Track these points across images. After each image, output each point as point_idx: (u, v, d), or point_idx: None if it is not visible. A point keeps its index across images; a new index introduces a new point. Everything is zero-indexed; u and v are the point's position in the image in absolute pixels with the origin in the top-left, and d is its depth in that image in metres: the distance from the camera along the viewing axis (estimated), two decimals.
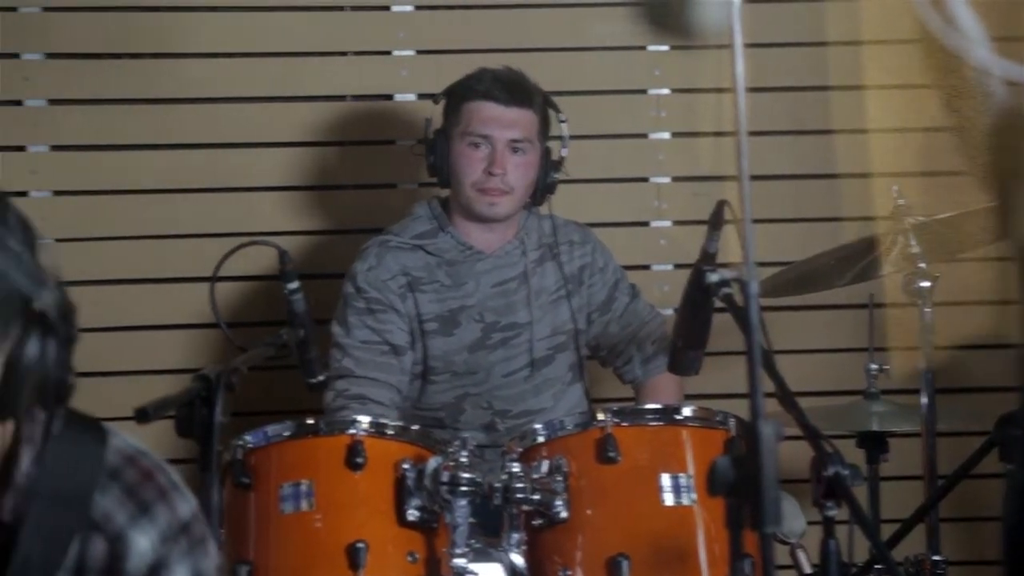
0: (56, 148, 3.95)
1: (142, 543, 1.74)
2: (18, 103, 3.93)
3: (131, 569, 1.73)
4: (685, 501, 2.81)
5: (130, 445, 1.80)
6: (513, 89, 3.41)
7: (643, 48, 4.06)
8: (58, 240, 3.83)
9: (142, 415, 2.26)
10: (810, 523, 3.16)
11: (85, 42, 3.93)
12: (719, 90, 4.01)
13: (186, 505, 1.79)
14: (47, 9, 3.93)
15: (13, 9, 3.92)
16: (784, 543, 3.11)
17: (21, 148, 3.93)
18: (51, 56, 3.95)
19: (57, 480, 1.73)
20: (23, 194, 3.87)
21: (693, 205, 3.91)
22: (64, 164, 3.94)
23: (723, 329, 2.78)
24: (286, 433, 2.86)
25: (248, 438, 2.85)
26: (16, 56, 3.93)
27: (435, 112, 3.47)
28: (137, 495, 1.76)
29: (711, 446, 2.86)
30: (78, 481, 1.74)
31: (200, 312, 3.75)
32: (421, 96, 3.96)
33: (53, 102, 3.94)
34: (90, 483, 1.74)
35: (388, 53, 4.05)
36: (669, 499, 2.81)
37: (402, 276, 3.40)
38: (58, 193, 3.94)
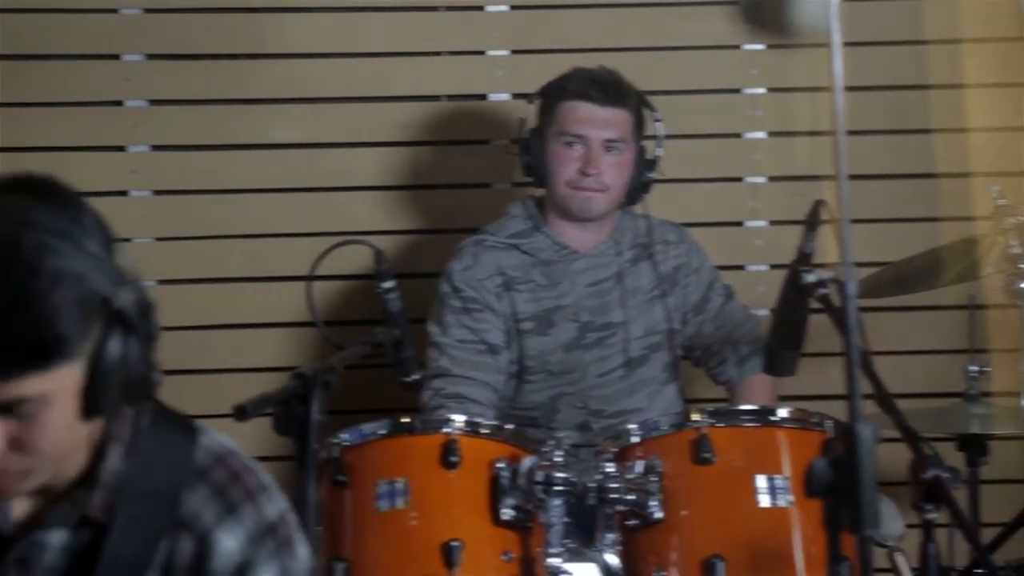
0: (156, 148, 3.99)
1: (228, 543, 1.74)
2: (119, 103, 3.98)
3: (217, 569, 1.74)
4: (781, 503, 2.80)
5: (220, 444, 1.81)
6: (608, 89, 3.40)
7: (738, 47, 4.04)
8: (157, 239, 3.88)
9: (240, 413, 2.29)
10: (909, 526, 3.14)
11: (184, 43, 3.97)
12: (816, 89, 3.97)
13: (273, 506, 1.79)
14: (147, 11, 3.98)
15: (114, 11, 3.97)
16: (882, 546, 3.09)
17: (121, 148, 3.98)
18: (151, 57, 3.99)
19: (146, 477, 1.74)
20: (123, 193, 3.92)
21: (789, 205, 3.88)
22: (164, 164, 3.99)
23: (820, 330, 2.75)
24: (381, 431, 2.88)
25: (344, 436, 2.88)
26: (117, 57, 3.99)
27: (529, 112, 3.48)
28: (225, 495, 1.76)
29: (807, 448, 2.84)
30: (167, 479, 1.75)
31: (297, 311, 3.78)
32: (515, 96, 3.96)
33: (153, 102, 3.99)
34: (179, 481, 1.75)
35: (482, 53, 4.06)
36: (765, 500, 2.80)
37: (498, 275, 3.41)
38: (158, 192, 3.98)
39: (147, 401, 1.75)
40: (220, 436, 1.82)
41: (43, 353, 1.58)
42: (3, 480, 1.66)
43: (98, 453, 1.74)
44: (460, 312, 3.38)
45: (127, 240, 3.71)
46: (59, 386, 1.61)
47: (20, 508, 1.75)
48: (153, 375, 1.72)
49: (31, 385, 1.59)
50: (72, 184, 1.70)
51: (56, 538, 1.74)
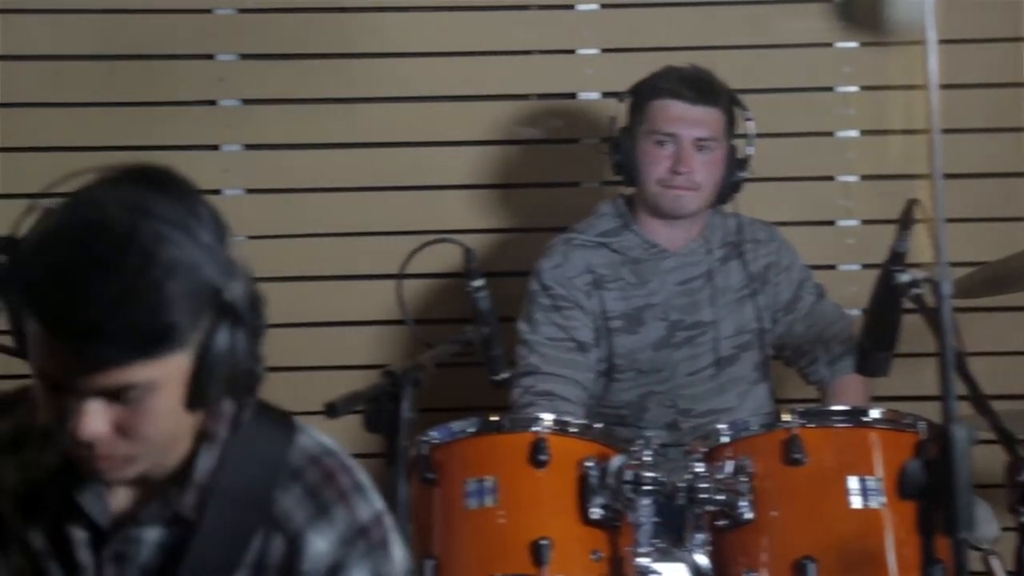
0: (249, 147, 4.03)
1: (319, 544, 1.74)
2: (212, 103, 4.02)
3: (308, 570, 1.74)
4: (873, 504, 2.78)
5: (317, 443, 1.81)
6: (699, 87, 3.39)
7: (830, 45, 4.00)
8: (250, 237, 3.91)
9: (331, 410, 2.30)
10: (1004, 529, 3.10)
11: (277, 42, 4.00)
12: (910, 87, 3.94)
13: (367, 507, 1.78)
14: (241, 11, 4.02)
15: (208, 11, 4.01)
16: (977, 549, 3.05)
17: (215, 147, 4.02)
18: (245, 57, 4.03)
19: (238, 476, 1.75)
20: (216, 192, 3.96)
21: (881, 204, 3.86)
22: (256, 163, 4.03)
23: (913, 330, 2.73)
24: (470, 430, 2.89)
25: (433, 434, 2.89)
26: (211, 57, 4.03)
27: (620, 110, 3.47)
28: (317, 496, 1.76)
29: (900, 449, 2.82)
30: (259, 478, 1.76)
31: (387, 309, 3.79)
32: (605, 94, 3.95)
33: (246, 102, 4.03)
34: (270, 482, 1.76)
35: (573, 52, 4.06)
36: (857, 502, 2.79)
37: (588, 274, 3.41)
38: (250, 191, 4.02)
39: (251, 395, 1.75)
40: (319, 435, 1.82)
41: (154, 341, 1.60)
42: (107, 465, 1.67)
43: (193, 451, 1.75)
44: (550, 310, 3.38)
45: None
46: (167, 374, 1.63)
47: (118, 502, 1.76)
48: (258, 368, 1.72)
49: (140, 372, 1.60)
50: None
51: (151, 534, 1.75)
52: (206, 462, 1.75)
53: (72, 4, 3.96)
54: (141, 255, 1.59)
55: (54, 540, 1.76)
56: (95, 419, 1.63)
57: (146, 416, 1.64)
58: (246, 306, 1.68)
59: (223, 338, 1.65)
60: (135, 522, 1.75)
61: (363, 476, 1.81)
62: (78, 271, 1.58)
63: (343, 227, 3.99)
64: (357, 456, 1.85)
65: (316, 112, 4.00)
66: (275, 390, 1.80)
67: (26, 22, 3.96)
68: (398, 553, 1.80)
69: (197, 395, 1.66)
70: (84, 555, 1.75)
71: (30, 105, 3.95)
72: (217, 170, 3.98)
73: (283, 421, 1.81)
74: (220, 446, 1.76)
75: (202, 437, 1.75)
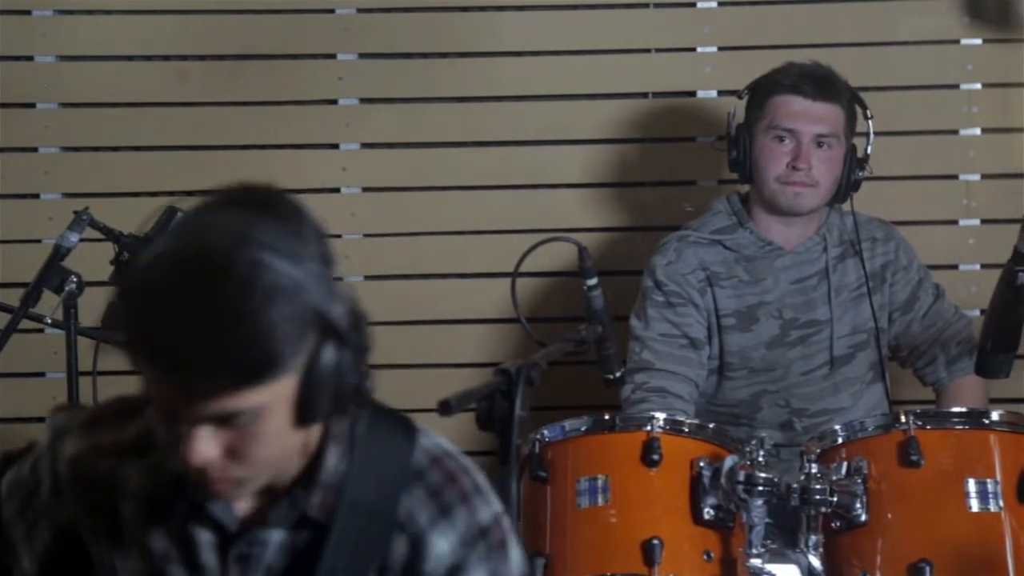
0: (366, 146, 4.06)
1: (441, 545, 1.75)
2: (333, 102, 4.06)
3: (429, 571, 1.75)
4: (992, 508, 2.75)
5: (437, 445, 1.82)
6: (820, 83, 3.36)
7: (956, 42, 3.93)
8: (366, 235, 3.95)
9: (444, 407, 2.31)
10: None
11: (396, 42, 4.03)
12: None
13: (487, 509, 1.79)
14: (361, 11, 4.05)
15: (330, 11, 4.05)
16: None
17: (334, 146, 4.06)
18: (363, 56, 4.06)
19: (367, 479, 1.75)
20: (335, 190, 3.99)
21: (1004, 203, 3.80)
22: (374, 161, 4.06)
23: None
24: (583, 428, 2.90)
25: (546, 432, 2.90)
26: (332, 57, 4.07)
27: (738, 107, 3.45)
28: (439, 497, 1.77)
29: (1020, 452, 2.79)
30: (386, 480, 1.76)
31: (501, 307, 3.82)
32: (722, 93, 3.93)
33: (364, 101, 4.06)
34: (398, 484, 1.76)
35: (692, 50, 4.04)
36: (975, 505, 2.76)
37: (701, 271, 3.40)
38: (367, 189, 4.04)
39: (360, 409, 1.75)
40: (437, 437, 1.83)
41: (257, 369, 1.60)
42: (223, 486, 1.69)
43: (318, 453, 1.76)
44: (663, 306, 3.37)
45: (337, 236, 3.79)
46: (273, 398, 1.63)
47: (244, 505, 1.77)
48: (366, 385, 1.71)
49: (247, 398, 1.61)
50: (287, 183, 1.72)
51: (276, 535, 1.77)
52: (331, 464, 1.76)
53: (197, 5, 4.02)
54: (238, 284, 1.58)
55: (178, 542, 1.78)
56: (205, 445, 1.64)
57: (256, 439, 1.65)
58: (349, 325, 1.67)
59: (327, 359, 1.64)
60: (262, 524, 1.76)
61: (482, 478, 1.82)
62: (177, 304, 1.58)
63: (458, 225, 4.01)
64: (469, 454, 1.86)
65: (432, 111, 4.02)
66: (389, 387, 1.81)
67: (152, 22, 4.03)
68: (515, 554, 1.81)
69: (304, 415, 1.66)
70: (209, 557, 1.77)
71: (155, 105, 4.02)
72: (335, 168, 4.01)
73: (403, 423, 1.81)
74: (343, 448, 1.76)
75: (325, 441, 1.75)
